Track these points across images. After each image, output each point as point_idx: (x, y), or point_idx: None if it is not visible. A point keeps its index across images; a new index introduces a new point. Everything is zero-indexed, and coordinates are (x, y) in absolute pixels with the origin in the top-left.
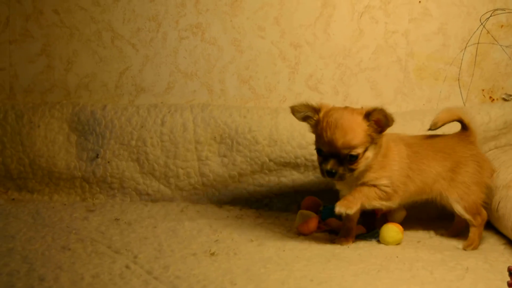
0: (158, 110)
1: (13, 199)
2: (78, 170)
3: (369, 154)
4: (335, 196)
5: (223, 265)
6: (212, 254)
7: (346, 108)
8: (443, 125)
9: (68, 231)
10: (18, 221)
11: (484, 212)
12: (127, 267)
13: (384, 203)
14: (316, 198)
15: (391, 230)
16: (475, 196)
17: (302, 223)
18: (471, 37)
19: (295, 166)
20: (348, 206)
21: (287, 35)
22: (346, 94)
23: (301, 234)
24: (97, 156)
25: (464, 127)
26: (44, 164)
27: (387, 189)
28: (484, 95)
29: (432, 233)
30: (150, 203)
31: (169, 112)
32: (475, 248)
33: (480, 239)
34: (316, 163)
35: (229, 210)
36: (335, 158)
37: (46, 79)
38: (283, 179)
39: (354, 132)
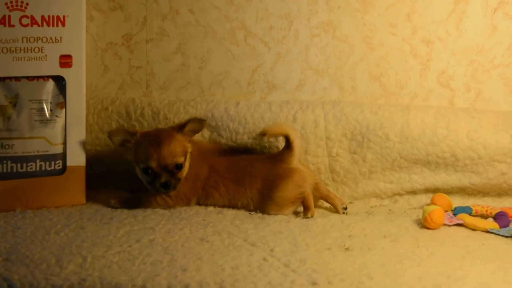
0: (290, 106)
1: None
2: None
3: (187, 163)
4: (465, 195)
5: (358, 260)
6: (347, 249)
7: (158, 128)
8: (272, 136)
9: (205, 224)
10: (156, 214)
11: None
12: (265, 259)
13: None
14: (446, 196)
15: None
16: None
17: (426, 217)
18: None
19: (426, 163)
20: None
21: (418, 31)
22: (478, 91)
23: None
24: None
25: (288, 144)
26: None
27: (167, 199)
28: None
29: None
30: None
31: (300, 108)
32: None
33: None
34: (448, 161)
35: (359, 206)
36: (165, 171)
37: (181, 77)
38: (414, 176)
39: (175, 144)
